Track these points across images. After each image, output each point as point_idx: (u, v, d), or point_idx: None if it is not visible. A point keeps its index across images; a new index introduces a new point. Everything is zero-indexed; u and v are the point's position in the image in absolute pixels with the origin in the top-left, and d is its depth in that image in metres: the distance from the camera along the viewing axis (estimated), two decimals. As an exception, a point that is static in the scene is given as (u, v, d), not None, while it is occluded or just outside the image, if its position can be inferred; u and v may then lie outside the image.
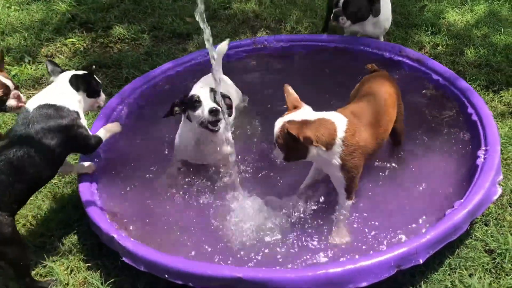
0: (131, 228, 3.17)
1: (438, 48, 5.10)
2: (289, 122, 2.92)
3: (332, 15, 4.41)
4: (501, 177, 3.19)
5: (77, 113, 3.24)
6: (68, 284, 3.11)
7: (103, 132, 3.44)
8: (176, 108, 3.42)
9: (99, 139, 3.37)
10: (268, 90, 4.37)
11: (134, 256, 2.81)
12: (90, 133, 3.35)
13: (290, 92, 3.10)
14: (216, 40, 5.54)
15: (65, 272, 3.18)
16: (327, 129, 2.93)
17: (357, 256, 2.78)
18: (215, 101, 3.32)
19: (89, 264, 3.21)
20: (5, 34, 5.77)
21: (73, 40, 5.68)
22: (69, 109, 3.19)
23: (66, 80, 3.34)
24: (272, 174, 3.62)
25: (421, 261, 2.73)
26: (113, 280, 3.07)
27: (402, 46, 4.48)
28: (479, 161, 3.21)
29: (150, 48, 5.49)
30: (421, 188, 3.37)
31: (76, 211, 3.57)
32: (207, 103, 3.29)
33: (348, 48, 4.52)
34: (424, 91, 4.09)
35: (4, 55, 4.05)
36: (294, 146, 2.91)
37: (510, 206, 3.37)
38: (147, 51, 5.45)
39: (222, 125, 3.32)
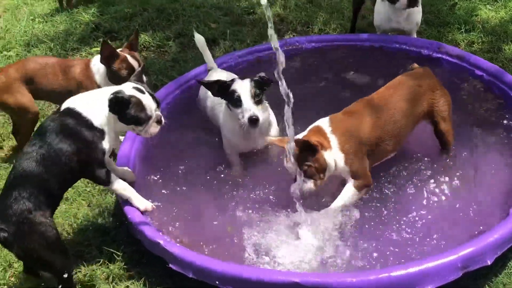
0: (176, 234, 3.03)
1: (474, 45, 4.95)
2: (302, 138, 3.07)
3: None
4: None
5: (101, 131, 2.96)
6: (110, 294, 2.99)
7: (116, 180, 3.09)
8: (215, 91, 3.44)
9: (108, 179, 3.02)
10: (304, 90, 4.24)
11: (182, 262, 2.68)
12: (105, 163, 3.03)
13: (273, 140, 3.31)
14: (243, 45, 5.50)
15: (106, 281, 3.06)
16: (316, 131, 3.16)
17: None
18: (255, 97, 3.27)
19: (130, 273, 3.09)
20: (31, 46, 5.74)
21: (98, 49, 5.60)
22: (92, 124, 2.94)
23: (109, 93, 2.99)
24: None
25: (489, 262, 2.57)
26: (156, 288, 2.95)
27: (440, 43, 4.36)
28: (537, 156, 3.05)
29: (177, 55, 5.42)
30: (478, 189, 3.22)
31: (113, 219, 3.47)
32: (248, 106, 3.26)
33: (384, 47, 4.39)
34: (467, 87, 3.93)
35: (139, 34, 4.15)
36: (314, 159, 3.03)
37: None
38: (174, 57, 5.38)
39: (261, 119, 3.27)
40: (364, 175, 3.18)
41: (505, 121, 3.65)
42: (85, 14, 6.21)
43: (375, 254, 2.80)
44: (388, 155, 3.36)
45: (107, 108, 2.94)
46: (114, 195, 3.62)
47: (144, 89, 3.03)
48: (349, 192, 3.15)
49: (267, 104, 3.45)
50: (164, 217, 3.17)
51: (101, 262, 3.17)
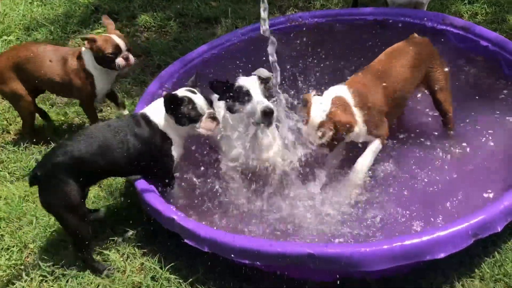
0: (190, 211, 3.07)
1: (478, 16, 4.93)
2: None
3: None
4: None
5: (164, 134, 3.12)
6: (125, 271, 3.02)
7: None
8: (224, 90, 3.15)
9: (173, 182, 3.22)
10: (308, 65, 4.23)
11: (197, 237, 2.71)
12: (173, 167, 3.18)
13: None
14: (245, 22, 5.46)
15: (121, 259, 3.10)
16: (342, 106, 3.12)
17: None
18: (264, 93, 3.05)
19: (144, 250, 3.13)
20: (31, 29, 5.71)
21: (99, 31, 5.59)
22: (157, 127, 3.13)
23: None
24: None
25: (499, 229, 2.59)
26: (171, 264, 2.99)
27: (444, 14, 4.33)
28: (544, 124, 3.07)
29: (178, 35, 5.40)
30: (484, 158, 3.25)
31: (125, 198, 3.49)
32: (259, 99, 2.99)
33: (388, 20, 4.36)
34: (473, 58, 3.92)
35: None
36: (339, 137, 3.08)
37: None
38: (176, 37, 5.36)
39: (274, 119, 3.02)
40: (384, 133, 3.28)
41: (509, 91, 3.65)
42: (84, -4, 6.16)
43: (387, 224, 2.85)
44: (394, 118, 3.47)
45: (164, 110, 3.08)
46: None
47: (196, 91, 3.15)
48: (376, 147, 3.24)
49: None
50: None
51: (115, 242, 3.21)
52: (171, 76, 4.10)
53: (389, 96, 3.26)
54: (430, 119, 3.68)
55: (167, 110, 3.05)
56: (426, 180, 3.17)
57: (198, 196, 3.23)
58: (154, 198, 3.00)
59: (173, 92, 3.11)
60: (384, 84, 3.27)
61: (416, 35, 3.58)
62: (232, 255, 2.61)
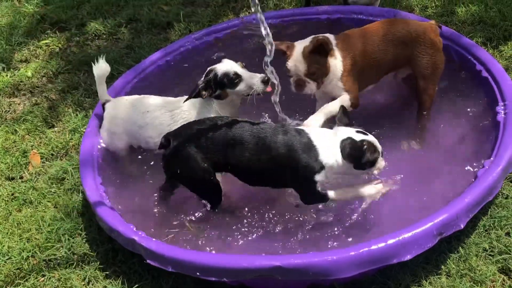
0: (146, 225, 2.97)
1: (428, 10, 4.98)
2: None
3: None
4: (525, 130, 3.10)
5: (323, 167, 2.84)
6: (88, 297, 2.91)
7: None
8: (204, 93, 3.22)
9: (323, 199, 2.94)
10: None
11: (160, 257, 2.62)
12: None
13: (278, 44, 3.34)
14: (198, 26, 5.35)
15: (83, 283, 2.97)
16: (325, 38, 3.31)
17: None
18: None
19: (106, 272, 3.01)
20: (-27, 44, 5.42)
21: (47, 41, 5.39)
22: (319, 158, 2.84)
23: (339, 140, 2.85)
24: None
25: (462, 226, 2.62)
26: (135, 286, 2.88)
27: (396, 10, 4.35)
28: (500, 117, 3.11)
29: (131, 41, 5.24)
30: (443, 153, 3.28)
31: (82, 218, 3.37)
32: (249, 74, 3.22)
33: (342, 18, 4.35)
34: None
35: None
36: (322, 63, 3.25)
37: (532, 160, 3.29)
38: (128, 44, 5.20)
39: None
40: (354, 94, 3.38)
41: (463, 85, 3.70)
42: (29, 5, 5.91)
43: (353, 231, 2.83)
44: (368, 84, 3.57)
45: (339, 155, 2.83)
46: (81, 194, 3.51)
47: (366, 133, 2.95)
48: (342, 99, 3.31)
49: None
50: (133, 213, 3.11)
51: (75, 265, 3.07)
52: (124, 87, 3.96)
53: (368, 53, 3.41)
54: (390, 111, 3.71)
55: (347, 159, 2.81)
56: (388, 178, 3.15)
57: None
58: (113, 218, 2.88)
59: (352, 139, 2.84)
60: (368, 43, 3.42)
61: (433, 21, 3.61)
62: (198, 273, 2.53)
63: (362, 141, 2.83)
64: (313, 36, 3.34)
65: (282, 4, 5.40)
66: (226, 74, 3.19)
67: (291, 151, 2.86)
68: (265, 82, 3.18)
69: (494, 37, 4.41)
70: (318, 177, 2.85)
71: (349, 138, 2.84)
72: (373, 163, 2.85)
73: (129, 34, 5.39)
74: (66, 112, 4.39)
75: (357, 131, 2.91)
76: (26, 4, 5.93)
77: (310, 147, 2.86)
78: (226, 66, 3.24)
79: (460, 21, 4.71)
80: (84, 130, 3.85)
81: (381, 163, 2.91)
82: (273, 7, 5.39)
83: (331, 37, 3.40)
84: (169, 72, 4.25)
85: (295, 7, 5.30)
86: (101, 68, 3.57)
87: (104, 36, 5.44)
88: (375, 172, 2.92)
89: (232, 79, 3.19)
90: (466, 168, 3.05)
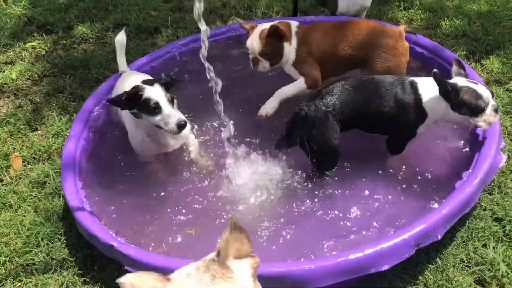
0: (127, 232, 2.95)
1: (413, 22, 5.06)
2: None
3: None
4: (503, 143, 3.15)
5: (425, 114, 3.16)
6: (65, 302, 2.88)
7: None
8: (125, 104, 3.16)
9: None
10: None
11: (138, 263, 2.60)
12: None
13: (241, 22, 3.92)
14: (186, 32, 5.36)
15: (60, 289, 2.95)
16: (285, 26, 3.68)
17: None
18: (172, 102, 3.16)
19: (85, 278, 2.98)
20: (-43, 45, 5.37)
21: (33, 44, 5.35)
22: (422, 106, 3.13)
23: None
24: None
25: (439, 237, 2.65)
26: (114, 292, 2.86)
27: (382, 22, 4.38)
28: (479, 129, 3.15)
29: (118, 46, 5.22)
30: (422, 163, 3.29)
31: (63, 222, 3.33)
32: (170, 112, 3.10)
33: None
34: (410, 65, 4.00)
35: None
36: (276, 46, 3.61)
37: (510, 173, 3.34)
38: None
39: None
40: (313, 76, 3.68)
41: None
42: (16, 7, 5.87)
43: (331, 241, 2.84)
44: (330, 75, 3.75)
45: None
46: (62, 198, 3.48)
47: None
48: (297, 82, 3.68)
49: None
50: (113, 218, 3.09)
51: (53, 270, 3.04)
52: (108, 92, 3.94)
53: (322, 49, 3.65)
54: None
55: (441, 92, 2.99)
56: (367, 192, 3.17)
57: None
58: (92, 224, 2.86)
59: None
60: (325, 38, 3.66)
61: (403, 25, 3.76)
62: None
63: (465, 86, 2.98)
64: (278, 21, 3.71)
65: (270, 13, 5.44)
66: (148, 100, 3.09)
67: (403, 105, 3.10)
68: (180, 126, 3.10)
69: (477, 51, 4.49)
70: (421, 129, 3.15)
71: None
72: (473, 109, 2.94)
73: (116, 38, 5.37)
74: (50, 116, 4.36)
75: (469, 81, 3.06)
76: (13, 6, 5.89)
77: (417, 100, 3.08)
78: (154, 92, 3.12)
79: (444, 34, 4.78)
80: (67, 134, 3.83)
81: (490, 116, 2.97)
82: (261, 16, 5.43)
83: (294, 24, 3.74)
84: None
85: (283, 16, 5.34)
86: (121, 38, 3.94)
87: (91, 40, 5.42)
88: (481, 123, 2.98)
89: (151, 108, 3.10)
90: (445, 179, 3.09)
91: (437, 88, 2.98)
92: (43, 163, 3.87)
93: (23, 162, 3.91)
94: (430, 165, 3.30)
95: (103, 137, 3.71)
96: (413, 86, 3.12)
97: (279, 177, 3.29)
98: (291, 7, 5.28)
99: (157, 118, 3.12)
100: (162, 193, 3.30)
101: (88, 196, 3.15)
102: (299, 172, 3.34)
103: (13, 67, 5.03)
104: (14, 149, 4.02)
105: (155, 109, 3.10)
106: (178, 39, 4.97)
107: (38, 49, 5.30)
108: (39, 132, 4.23)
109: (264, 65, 3.69)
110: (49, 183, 3.64)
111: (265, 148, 3.49)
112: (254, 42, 3.62)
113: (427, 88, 3.07)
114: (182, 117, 3.13)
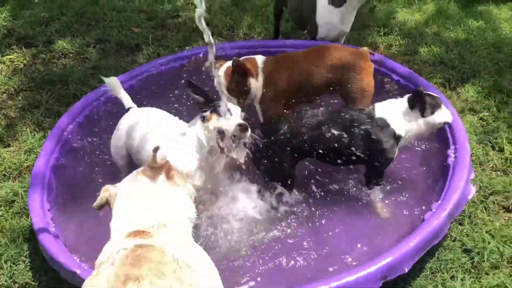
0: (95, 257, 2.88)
1: (392, 48, 5.11)
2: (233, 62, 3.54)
3: None
4: (473, 175, 3.17)
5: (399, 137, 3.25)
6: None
7: None
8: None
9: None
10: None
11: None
12: None
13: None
14: (168, 51, 5.36)
15: (22, 315, 2.87)
16: (250, 62, 3.67)
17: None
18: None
19: (49, 304, 2.92)
20: None
21: (11, 57, 5.30)
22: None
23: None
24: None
25: (406, 270, 2.65)
26: (76, 318, 2.79)
27: (345, 45, 4.42)
28: (450, 160, 3.18)
29: (98, 62, 5.20)
30: (393, 192, 3.30)
31: (28, 244, 3.26)
32: (237, 116, 2.97)
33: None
34: (386, 93, 4.03)
35: None
36: (240, 83, 3.57)
37: (481, 203, 3.36)
38: (95, 65, 5.15)
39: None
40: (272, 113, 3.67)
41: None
42: (-4, 19, 5.82)
43: (296, 270, 2.81)
44: (304, 103, 3.76)
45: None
46: (29, 218, 3.41)
47: None
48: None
49: None
50: (80, 244, 3.02)
51: (16, 294, 2.97)
52: (83, 109, 3.91)
53: (293, 80, 3.63)
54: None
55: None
56: (336, 220, 3.17)
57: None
58: (55, 248, 2.80)
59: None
60: (294, 68, 3.65)
61: (365, 48, 3.84)
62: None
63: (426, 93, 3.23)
64: (244, 57, 3.69)
65: (252, 34, 5.47)
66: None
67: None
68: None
69: (453, 78, 4.55)
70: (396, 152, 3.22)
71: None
72: (435, 106, 3.17)
73: (96, 54, 5.35)
74: (24, 132, 4.29)
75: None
76: (-6, 18, 5.84)
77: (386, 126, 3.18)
78: None
79: (422, 61, 4.85)
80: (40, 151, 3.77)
81: (445, 112, 3.22)
82: (243, 37, 5.45)
83: (260, 59, 3.71)
84: (132, 96, 4.20)
85: (264, 38, 5.37)
86: (110, 80, 3.68)
87: (71, 55, 5.38)
88: (445, 116, 3.21)
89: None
90: (415, 210, 3.09)
91: (401, 108, 3.20)
92: (13, 181, 3.80)
93: (-8, 179, 3.84)
94: (402, 194, 3.30)
95: (76, 156, 3.66)
96: (380, 116, 3.20)
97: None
98: (273, 29, 5.33)
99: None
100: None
101: (55, 218, 3.09)
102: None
103: (-11, 81, 4.97)
104: (-17, 165, 3.95)
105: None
106: (159, 57, 4.97)
107: (17, 63, 5.25)
108: (11, 148, 4.16)
109: (233, 101, 3.53)
110: (17, 202, 3.57)
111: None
112: (220, 80, 3.57)
113: (393, 111, 3.21)
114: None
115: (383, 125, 3.16)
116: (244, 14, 5.82)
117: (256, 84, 3.65)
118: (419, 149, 3.57)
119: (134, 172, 2.29)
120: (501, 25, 5.25)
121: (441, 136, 3.46)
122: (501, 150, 3.77)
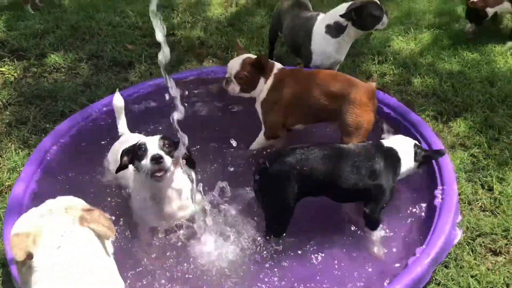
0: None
1: (386, 77, 5.07)
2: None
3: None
4: (460, 217, 3.12)
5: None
6: None
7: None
8: (125, 158, 2.99)
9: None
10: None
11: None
12: None
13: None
14: (160, 69, 5.29)
15: None
16: (270, 65, 3.87)
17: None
18: (163, 149, 2.89)
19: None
20: None
21: (2, 69, 5.26)
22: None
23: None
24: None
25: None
26: None
27: (354, 77, 4.39)
28: (437, 201, 3.12)
29: (89, 78, 5.15)
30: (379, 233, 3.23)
31: (3, 270, 3.17)
32: (153, 150, 2.86)
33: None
34: (377, 125, 3.98)
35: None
36: (252, 76, 3.78)
37: (467, 245, 3.29)
38: (86, 81, 5.10)
39: (169, 174, 2.90)
40: (272, 127, 3.85)
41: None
42: (-11, 30, 5.79)
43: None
44: (297, 123, 3.90)
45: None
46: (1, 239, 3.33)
47: None
48: (259, 137, 3.89)
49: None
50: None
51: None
52: (68, 131, 3.84)
53: (295, 97, 3.74)
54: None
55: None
56: (322, 254, 3.11)
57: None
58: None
59: None
60: (300, 86, 3.74)
61: (374, 78, 4.04)
62: None
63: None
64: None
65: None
66: (140, 145, 2.94)
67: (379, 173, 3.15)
68: (154, 159, 2.85)
69: (445, 112, 4.50)
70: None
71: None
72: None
73: (88, 70, 5.30)
74: (8, 149, 4.22)
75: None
76: (-14, 29, 5.80)
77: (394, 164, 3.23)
78: (148, 139, 2.98)
79: (415, 92, 4.81)
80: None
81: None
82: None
83: (278, 65, 3.89)
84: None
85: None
86: (117, 101, 3.63)
87: (63, 69, 5.34)
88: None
89: (141, 151, 2.92)
90: (400, 253, 3.03)
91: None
92: (-7, 200, 3.73)
93: (-29, 198, 3.75)
94: (386, 236, 3.24)
95: (57, 180, 3.57)
96: (388, 152, 3.22)
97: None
98: (267, 52, 5.30)
99: (143, 161, 2.87)
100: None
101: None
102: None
103: (-23, 93, 4.91)
104: (-37, 182, 3.87)
105: (144, 151, 2.88)
106: (151, 76, 4.93)
107: (7, 75, 5.20)
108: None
109: (235, 87, 3.83)
110: (-5, 224, 3.49)
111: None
112: (235, 64, 3.81)
113: (403, 151, 3.25)
114: (161, 153, 2.85)
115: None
116: (239, 35, 5.80)
117: (263, 85, 3.81)
118: (406, 188, 3.50)
119: None
120: (495, 58, 5.22)
121: (429, 176, 3.40)
122: (490, 189, 3.71)
